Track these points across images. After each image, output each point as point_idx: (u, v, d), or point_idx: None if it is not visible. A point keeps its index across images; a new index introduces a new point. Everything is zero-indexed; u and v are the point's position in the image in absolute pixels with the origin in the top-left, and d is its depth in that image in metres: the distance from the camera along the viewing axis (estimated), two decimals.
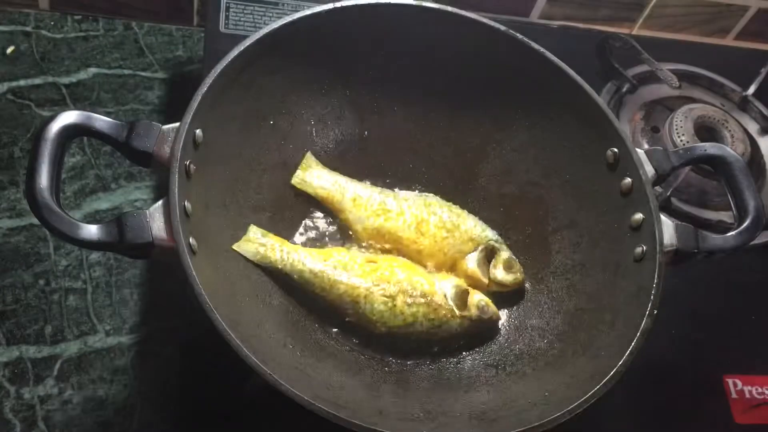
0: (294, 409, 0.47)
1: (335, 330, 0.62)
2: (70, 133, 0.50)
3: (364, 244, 0.65)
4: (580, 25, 0.98)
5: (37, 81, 0.77)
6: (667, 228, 0.58)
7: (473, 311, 0.61)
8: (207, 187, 0.57)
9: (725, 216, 0.81)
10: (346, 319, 0.61)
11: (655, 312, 0.54)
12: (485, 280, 0.64)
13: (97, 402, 0.62)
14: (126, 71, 0.81)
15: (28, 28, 0.81)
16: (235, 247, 0.60)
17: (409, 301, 0.60)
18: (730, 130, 0.85)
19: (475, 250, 0.65)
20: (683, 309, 0.74)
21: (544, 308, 0.64)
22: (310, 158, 0.67)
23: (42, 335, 0.64)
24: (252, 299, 0.58)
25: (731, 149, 0.63)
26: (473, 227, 0.66)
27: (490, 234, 0.66)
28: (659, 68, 0.89)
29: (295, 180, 0.66)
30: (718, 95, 0.94)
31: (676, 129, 0.84)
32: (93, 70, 0.80)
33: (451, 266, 0.65)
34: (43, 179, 0.48)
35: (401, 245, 0.64)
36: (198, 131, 0.54)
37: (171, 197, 0.50)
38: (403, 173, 0.70)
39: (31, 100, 0.76)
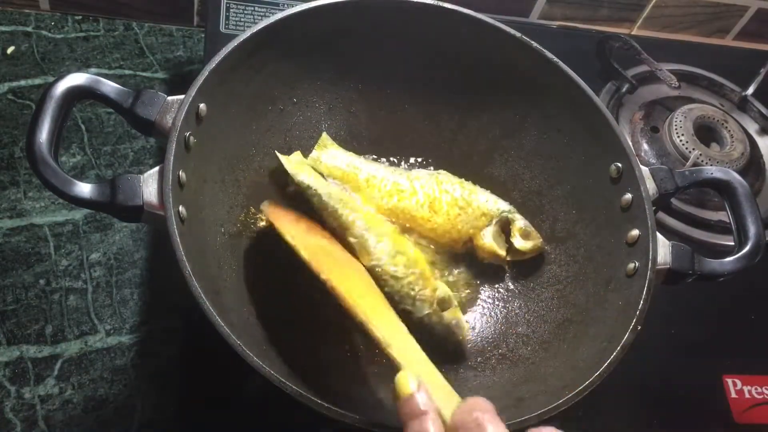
0: (293, 409, 0.47)
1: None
2: (77, 94, 0.51)
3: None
4: (580, 26, 0.98)
5: (38, 81, 0.77)
6: (663, 247, 0.57)
7: (446, 317, 0.60)
8: (206, 162, 0.57)
9: (724, 216, 0.81)
10: (348, 239, 0.60)
11: (639, 328, 0.53)
12: (502, 253, 0.64)
13: (98, 402, 0.62)
14: (126, 71, 0.81)
15: (29, 28, 0.81)
16: (281, 157, 0.63)
17: (404, 268, 0.59)
18: (729, 130, 0.86)
19: (489, 224, 0.65)
20: (683, 309, 0.74)
21: (532, 317, 0.63)
22: (326, 138, 0.67)
23: (42, 335, 0.64)
24: (236, 274, 0.59)
25: (737, 175, 0.62)
26: (485, 202, 0.66)
27: (502, 206, 0.66)
28: (659, 68, 0.89)
29: (311, 159, 0.66)
30: (718, 95, 0.94)
31: (676, 129, 0.84)
32: (93, 70, 0.80)
33: (467, 242, 0.65)
34: (44, 134, 0.49)
35: (415, 224, 0.64)
36: (202, 105, 0.55)
37: (166, 164, 0.50)
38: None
39: (32, 100, 0.76)
